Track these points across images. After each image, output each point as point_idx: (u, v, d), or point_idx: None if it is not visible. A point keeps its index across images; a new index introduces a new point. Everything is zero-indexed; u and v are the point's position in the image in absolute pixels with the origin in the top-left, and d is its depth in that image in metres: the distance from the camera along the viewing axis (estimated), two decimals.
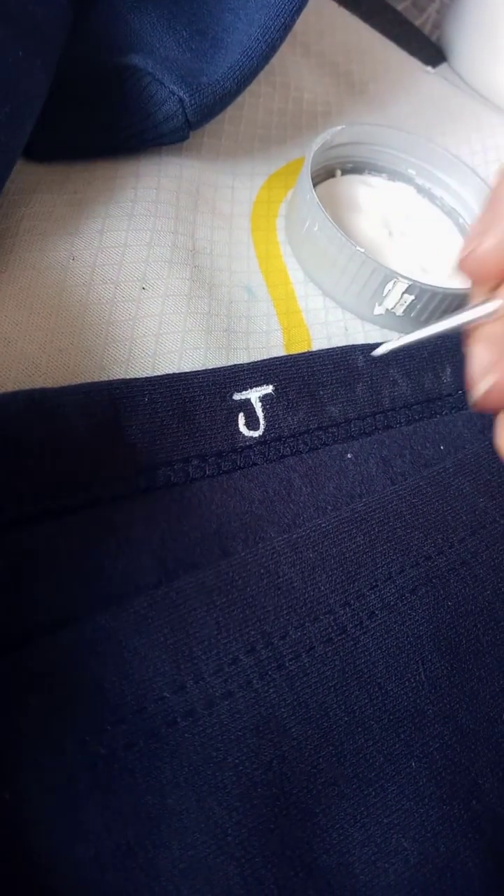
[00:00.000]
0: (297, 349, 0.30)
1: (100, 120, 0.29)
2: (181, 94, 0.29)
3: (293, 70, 0.42)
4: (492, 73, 0.49)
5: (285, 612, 0.20)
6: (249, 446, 0.24)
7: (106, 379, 0.24)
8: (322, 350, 0.27)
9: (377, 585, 0.22)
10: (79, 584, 0.20)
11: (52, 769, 0.17)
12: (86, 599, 0.20)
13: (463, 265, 0.20)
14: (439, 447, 0.27)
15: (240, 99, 0.31)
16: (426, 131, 0.44)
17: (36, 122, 0.26)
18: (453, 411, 0.29)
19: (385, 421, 0.27)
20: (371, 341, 0.28)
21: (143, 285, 0.27)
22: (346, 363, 0.27)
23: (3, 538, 0.19)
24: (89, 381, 0.23)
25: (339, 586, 0.21)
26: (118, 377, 0.25)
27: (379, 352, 0.25)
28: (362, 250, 0.29)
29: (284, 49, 0.31)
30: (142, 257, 0.28)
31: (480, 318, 0.21)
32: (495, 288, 0.20)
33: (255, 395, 0.25)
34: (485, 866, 0.19)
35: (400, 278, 0.29)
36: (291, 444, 0.25)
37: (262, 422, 0.25)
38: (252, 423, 0.24)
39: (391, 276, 0.29)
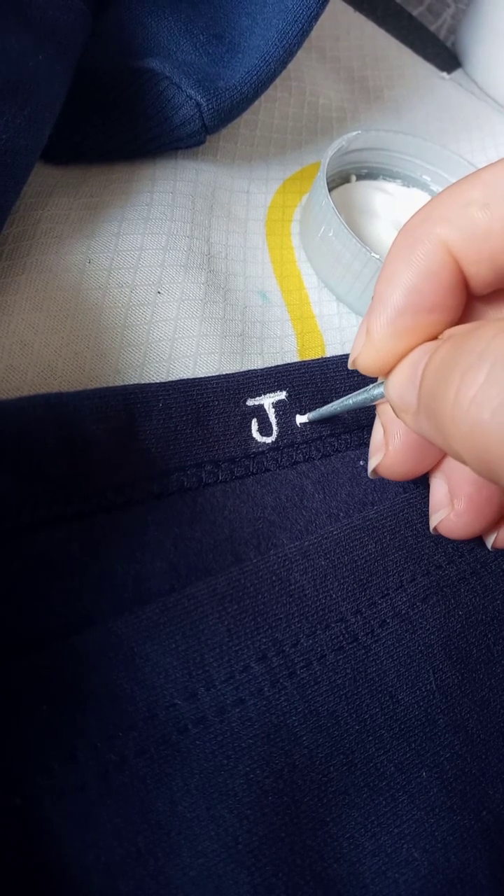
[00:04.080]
0: (310, 354, 0.30)
1: (117, 123, 0.30)
2: (198, 98, 0.29)
3: (308, 75, 0.42)
4: None
5: (297, 619, 0.20)
6: (262, 452, 0.24)
7: (121, 383, 0.24)
8: (335, 356, 0.27)
9: (389, 594, 0.22)
10: (91, 590, 0.20)
11: (63, 775, 0.17)
12: (98, 605, 0.20)
13: (356, 366, 0.21)
14: None
15: (256, 103, 0.31)
16: (441, 137, 0.44)
17: (54, 125, 0.26)
18: None
19: None
20: None
21: (159, 289, 0.27)
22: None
23: (17, 542, 0.19)
24: (104, 385, 0.23)
25: (350, 594, 0.21)
26: (133, 381, 0.25)
27: (304, 419, 0.25)
28: (377, 256, 0.29)
29: (300, 53, 0.31)
30: (157, 261, 0.28)
31: (376, 398, 0.22)
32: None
33: (268, 401, 0.25)
34: (495, 877, 0.19)
35: None
36: (304, 451, 0.25)
37: (275, 428, 0.25)
38: (265, 429, 0.24)
39: None
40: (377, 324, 0.19)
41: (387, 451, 0.22)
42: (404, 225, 0.20)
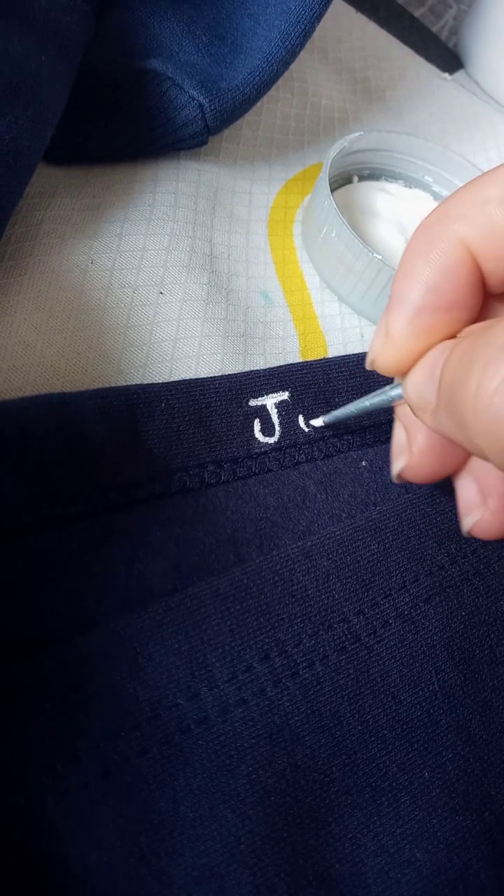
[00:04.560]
0: (313, 355, 0.30)
1: (119, 124, 0.30)
2: (201, 98, 0.29)
3: (311, 76, 0.42)
4: None
5: (299, 620, 0.20)
6: (265, 452, 0.24)
7: (123, 383, 0.24)
8: (338, 357, 0.27)
9: (391, 594, 0.22)
10: (94, 590, 0.20)
11: (65, 775, 0.17)
12: (101, 605, 0.20)
13: (375, 366, 0.21)
14: None
15: (258, 104, 0.31)
16: (443, 138, 0.44)
17: (56, 126, 0.26)
18: None
19: None
20: None
21: (161, 290, 0.27)
22: (362, 370, 0.27)
23: (20, 542, 0.19)
24: (107, 385, 0.23)
25: (353, 595, 0.21)
26: (136, 381, 0.25)
27: (320, 422, 0.25)
28: (379, 257, 0.29)
29: (303, 55, 0.31)
30: (160, 262, 0.28)
31: (394, 399, 0.22)
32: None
33: (270, 401, 0.25)
34: (498, 878, 0.19)
35: None
36: (307, 451, 0.25)
37: (277, 428, 0.25)
38: (267, 429, 0.24)
39: None
40: (396, 323, 0.19)
41: (410, 454, 0.22)
42: (421, 223, 0.20)
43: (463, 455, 0.22)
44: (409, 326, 0.19)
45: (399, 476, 0.23)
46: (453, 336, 0.19)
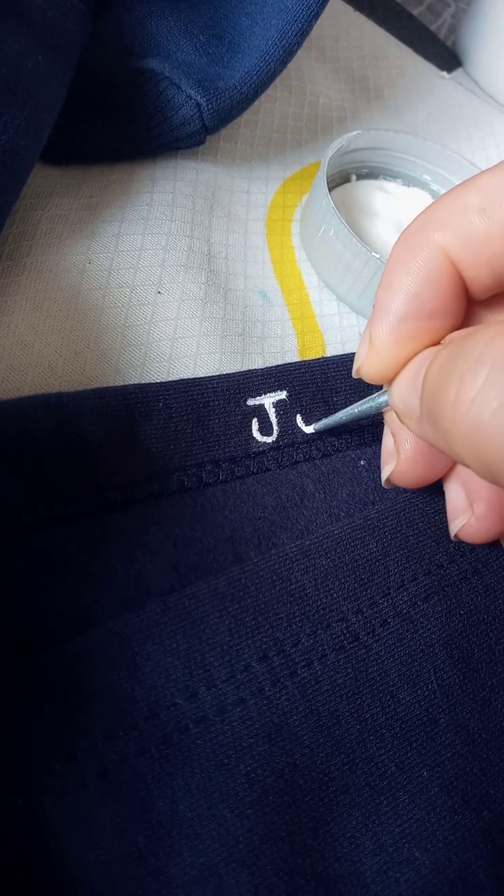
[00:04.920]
0: (311, 354, 0.30)
1: (117, 124, 0.30)
2: (198, 98, 0.29)
3: (309, 74, 0.42)
4: None
5: (298, 619, 0.20)
6: (263, 452, 0.24)
7: (121, 383, 0.24)
8: (336, 356, 0.27)
9: (390, 593, 0.22)
10: (92, 589, 0.20)
11: (63, 775, 0.17)
12: (99, 604, 0.20)
13: (360, 375, 0.21)
14: None
15: (256, 103, 0.31)
16: (441, 137, 0.44)
17: (54, 126, 0.26)
18: None
19: None
20: None
21: (159, 289, 0.27)
22: None
23: (18, 542, 0.19)
24: (105, 384, 0.23)
25: (351, 594, 0.21)
26: (133, 381, 0.25)
27: (311, 429, 0.25)
28: (377, 255, 0.29)
29: (300, 53, 0.31)
30: (157, 261, 0.28)
31: (381, 406, 0.22)
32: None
33: (268, 400, 0.25)
34: (497, 877, 0.19)
35: None
36: (305, 451, 0.25)
37: (275, 427, 0.25)
38: (266, 428, 0.24)
39: None
40: (379, 331, 0.20)
41: (398, 459, 0.22)
42: (403, 231, 0.20)
43: (449, 460, 0.22)
44: (392, 335, 0.19)
45: (388, 481, 0.23)
46: (437, 343, 0.19)
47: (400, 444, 0.22)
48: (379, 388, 0.27)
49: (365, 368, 0.20)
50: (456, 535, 0.22)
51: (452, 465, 0.23)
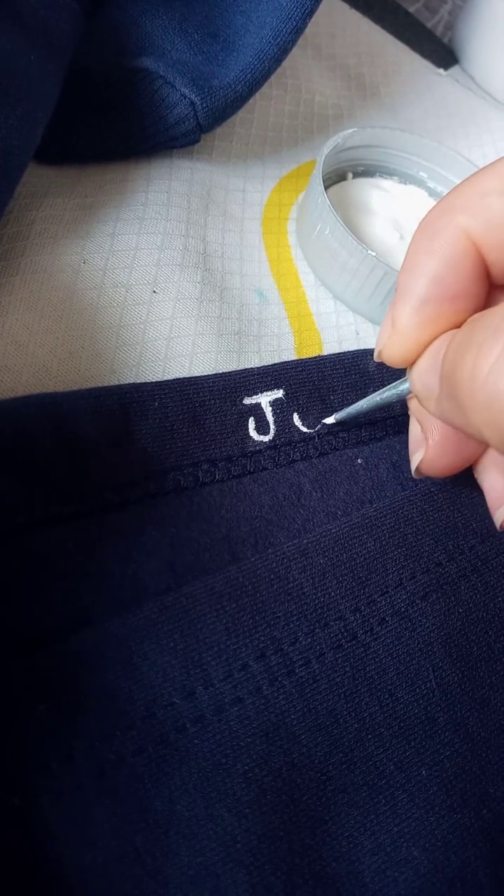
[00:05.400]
0: (308, 353, 0.30)
1: (111, 123, 0.29)
2: (192, 97, 0.29)
3: (304, 72, 0.42)
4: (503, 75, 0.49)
5: (295, 617, 0.20)
6: (259, 451, 0.24)
7: (116, 383, 0.24)
8: (333, 355, 0.27)
9: (388, 591, 0.22)
10: (88, 589, 0.20)
11: (60, 775, 0.17)
12: (95, 604, 0.20)
13: (382, 358, 0.21)
14: None
15: (251, 101, 0.31)
16: (438, 134, 0.44)
17: (47, 125, 0.26)
18: None
19: (395, 426, 0.27)
20: None
21: (154, 289, 0.27)
22: (357, 368, 0.27)
23: (14, 542, 0.19)
24: (100, 384, 0.23)
25: (349, 592, 0.21)
26: (129, 381, 0.25)
27: (329, 420, 0.25)
28: (373, 254, 0.29)
29: (296, 51, 0.31)
30: (153, 261, 0.28)
31: (403, 394, 0.22)
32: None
33: (265, 399, 0.25)
34: (496, 876, 0.19)
35: None
36: (302, 449, 0.25)
37: (272, 426, 0.24)
38: (262, 427, 0.24)
39: None
40: (402, 314, 0.20)
41: (427, 447, 0.22)
42: (424, 217, 0.20)
43: (478, 445, 0.22)
44: (415, 317, 0.19)
45: (418, 470, 0.23)
46: (458, 326, 0.19)
47: (428, 431, 0.22)
48: (380, 378, 0.27)
49: (387, 351, 0.20)
50: (503, 526, 0.22)
51: (480, 450, 0.22)
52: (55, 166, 0.30)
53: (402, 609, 0.22)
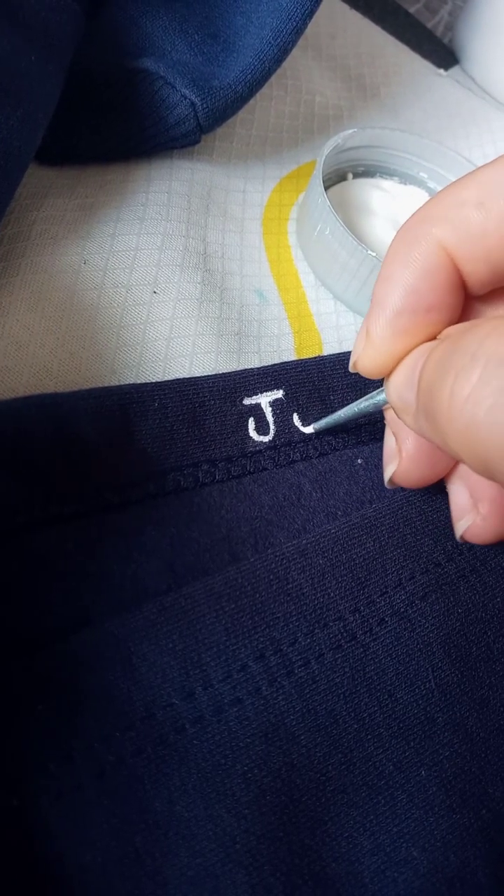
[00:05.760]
0: (308, 353, 0.30)
1: (111, 124, 0.30)
2: (193, 97, 0.29)
3: (305, 73, 0.42)
4: None
5: (295, 618, 0.20)
6: (259, 451, 0.24)
7: (117, 383, 0.24)
8: (332, 355, 0.27)
9: (387, 592, 0.22)
10: (88, 590, 0.20)
11: (60, 776, 0.17)
12: (95, 605, 0.20)
13: (357, 369, 0.21)
14: None
15: (251, 102, 0.31)
16: (438, 134, 0.44)
17: (48, 126, 0.26)
18: None
19: None
20: None
21: (155, 289, 0.27)
22: None
23: (14, 543, 0.19)
24: (100, 385, 0.23)
25: (348, 592, 0.21)
26: (129, 381, 0.25)
27: (310, 429, 0.25)
28: (374, 254, 0.29)
29: (296, 52, 0.31)
30: (153, 261, 0.28)
31: (381, 404, 0.22)
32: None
33: (265, 399, 0.25)
34: (495, 876, 0.19)
35: None
36: (301, 450, 0.25)
37: (272, 427, 0.25)
38: (262, 427, 0.24)
39: None
40: (376, 325, 0.20)
41: (400, 459, 0.22)
42: (401, 226, 0.20)
43: (451, 459, 0.22)
44: (389, 328, 0.19)
45: (391, 481, 0.23)
46: (434, 337, 0.19)
47: (402, 443, 0.22)
48: (377, 385, 0.27)
49: (362, 362, 0.20)
50: (462, 537, 0.22)
51: (455, 464, 0.23)
52: (56, 167, 0.30)
53: (402, 609, 0.22)
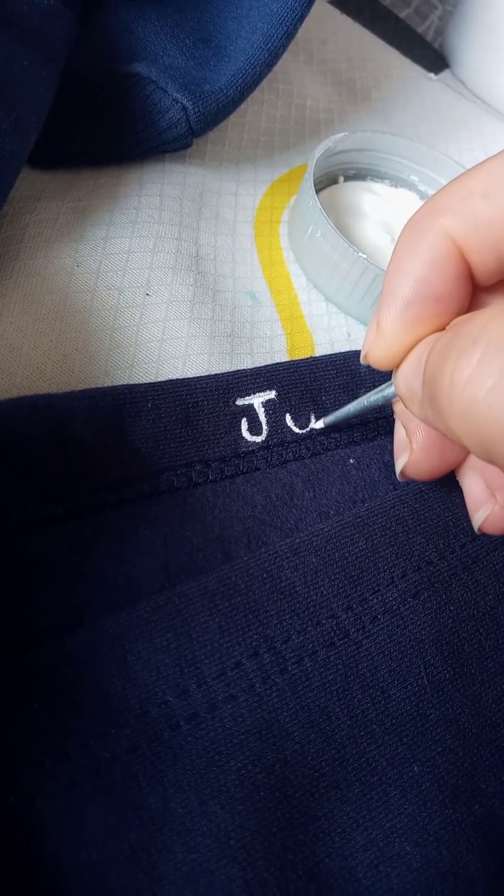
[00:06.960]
0: (300, 355, 0.30)
1: (104, 128, 0.30)
2: (184, 101, 0.29)
3: (296, 77, 0.42)
4: (494, 80, 0.49)
5: (288, 616, 0.20)
6: (252, 451, 0.24)
7: (110, 385, 0.24)
8: (324, 356, 0.27)
9: (379, 590, 0.22)
10: (83, 589, 0.20)
11: (55, 773, 0.17)
12: (89, 604, 0.20)
13: (368, 360, 0.21)
14: None
15: (243, 106, 0.31)
16: (428, 138, 0.44)
17: (41, 130, 0.26)
18: None
19: (387, 426, 0.27)
20: None
21: (147, 291, 0.27)
22: (348, 369, 0.27)
23: (8, 542, 0.19)
24: (93, 386, 0.23)
25: (341, 590, 0.21)
26: (122, 383, 0.25)
27: (318, 425, 0.26)
28: (365, 256, 0.29)
29: (287, 56, 0.31)
30: (146, 264, 0.28)
31: (390, 397, 0.22)
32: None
33: (257, 400, 0.25)
34: (488, 870, 0.19)
35: None
36: (294, 450, 0.25)
37: (264, 427, 0.25)
38: (255, 428, 0.24)
39: None
40: (387, 316, 0.20)
41: (411, 450, 0.22)
42: (410, 218, 0.20)
43: (461, 449, 0.22)
44: (399, 319, 0.20)
45: (402, 473, 0.23)
46: (443, 328, 0.20)
47: (412, 435, 0.22)
48: (368, 388, 0.27)
49: (372, 353, 0.21)
50: (480, 529, 0.22)
51: (466, 455, 0.23)
52: (48, 171, 0.30)
53: (394, 607, 0.22)
